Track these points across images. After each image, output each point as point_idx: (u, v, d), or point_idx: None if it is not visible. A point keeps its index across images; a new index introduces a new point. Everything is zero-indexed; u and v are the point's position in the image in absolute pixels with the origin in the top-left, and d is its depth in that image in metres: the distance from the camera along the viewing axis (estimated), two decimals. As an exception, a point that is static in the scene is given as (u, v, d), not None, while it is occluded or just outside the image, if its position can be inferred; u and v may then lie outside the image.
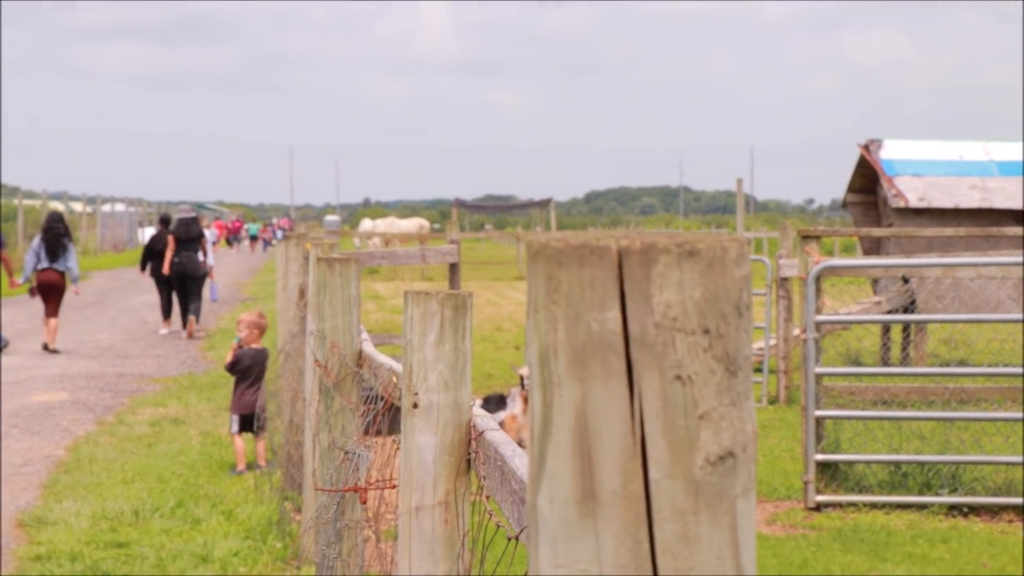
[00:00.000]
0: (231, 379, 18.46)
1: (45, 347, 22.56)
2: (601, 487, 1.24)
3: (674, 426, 1.24)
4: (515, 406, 13.39)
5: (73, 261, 23.27)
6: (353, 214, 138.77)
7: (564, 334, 1.25)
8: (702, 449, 1.24)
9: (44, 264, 22.93)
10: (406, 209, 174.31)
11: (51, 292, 22.85)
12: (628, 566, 1.24)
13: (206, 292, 26.65)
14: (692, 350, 1.24)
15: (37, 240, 23.29)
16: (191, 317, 25.61)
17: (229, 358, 12.73)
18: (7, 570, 9.28)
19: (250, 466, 12.49)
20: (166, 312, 26.31)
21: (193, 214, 26.17)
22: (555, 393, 1.26)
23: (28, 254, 23.35)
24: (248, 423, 12.48)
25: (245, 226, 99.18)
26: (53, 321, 22.72)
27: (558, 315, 1.25)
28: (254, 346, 12.73)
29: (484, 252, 73.03)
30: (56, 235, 23.06)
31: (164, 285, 26.11)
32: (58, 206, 62.28)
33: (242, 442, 12.52)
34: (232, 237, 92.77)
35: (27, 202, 57.02)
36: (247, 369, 12.55)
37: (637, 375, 1.24)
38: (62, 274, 23.04)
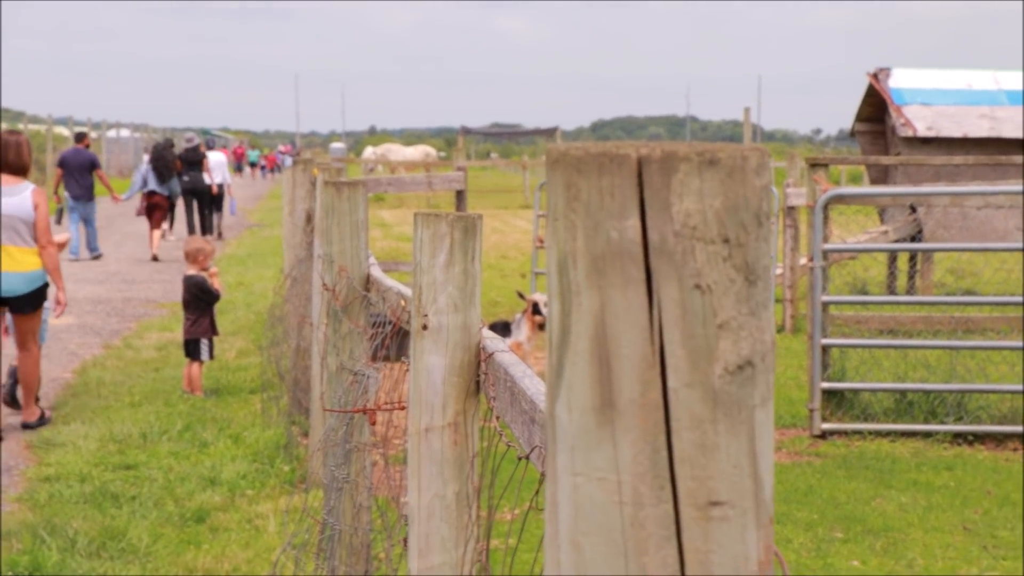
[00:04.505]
0: (235, 304, 18.56)
1: (154, 258, 25.63)
2: (619, 395, 1.24)
3: (693, 335, 1.24)
4: (520, 333, 13.40)
5: (176, 184, 27.32)
6: (359, 142, 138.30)
7: (583, 243, 1.24)
8: (721, 358, 1.24)
9: (152, 187, 26.68)
10: (412, 137, 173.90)
11: (157, 211, 26.57)
12: (646, 474, 1.24)
13: (225, 207, 31.30)
14: (711, 259, 1.23)
15: (146, 165, 27.01)
16: (213, 230, 30.10)
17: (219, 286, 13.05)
18: (16, 491, 9.34)
19: (206, 391, 12.71)
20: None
21: (197, 142, 29.76)
22: (574, 302, 1.25)
23: (136, 175, 27.49)
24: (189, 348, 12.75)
25: (246, 153, 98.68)
26: (156, 233, 26.18)
27: (577, 223, 1.24)
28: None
29: (490, 180, 72.85)
30: (165, 162, 26.69)
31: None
32: (63, 131, 62.18)
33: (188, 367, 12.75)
34: (237, 164, 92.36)
35: (32, 127, 56.92)
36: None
37: (656, 284, 1.23)
38: (167, 197, 26.87)
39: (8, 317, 11.45)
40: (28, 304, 11.12)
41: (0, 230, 10.95)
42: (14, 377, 11.75)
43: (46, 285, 11.23)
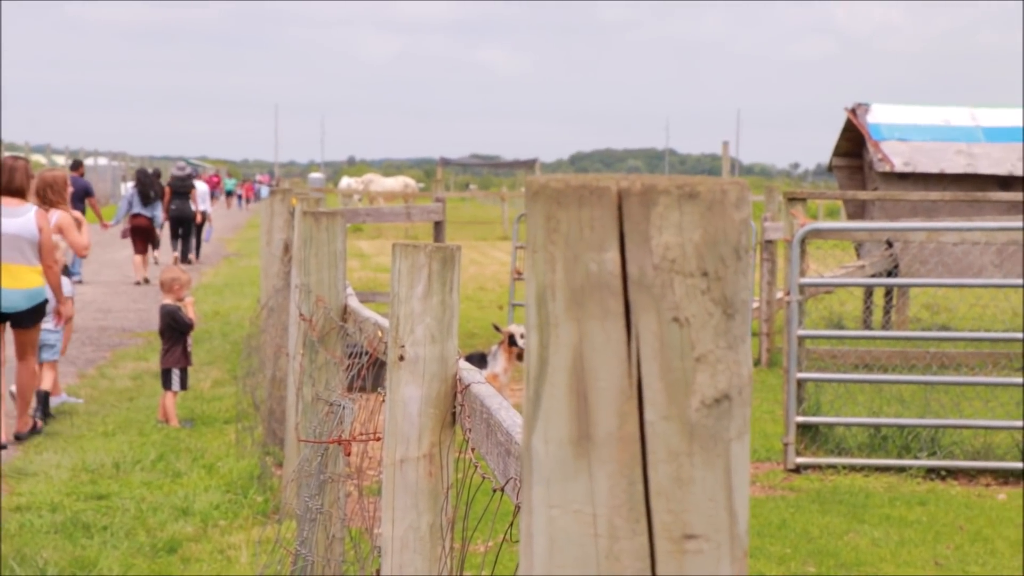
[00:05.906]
0: (211, 334, 18.52)
1: (139, 282, 26.82)
2: (596, 428, 1.24)
3: (670, 368, 1.24)
4: (496, 365, 13.38)
5: (160, 209, 28.50)
6: (337, 172, 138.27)
7: (562, 275, 1.24)
8: (698, 391, 1.24)
9: (136, 210, 27.84)
10: (391, 167, 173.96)
11: (141, 234, 27.76)
12: (622, 507, 1.24)
13: (204, 233, 33.21)
14: (690, 292, 1.23)
15: (131, 190, 28.10)
16: (191, 254, 31.80)
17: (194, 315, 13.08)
18: (-12, 520, 9.28)
19: (182, 421, 12.64)
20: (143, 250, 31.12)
21: (189, 171, 31.73)
22: (552, 334, 1.25)
23: (122, 201, 28.74)
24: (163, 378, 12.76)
25: (222, 182, 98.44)
26: (138, 258, 27.37)
27: (556, 255, 1.24)
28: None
29: (469, 212, 72.81)
30: (149, 186, 27.83)
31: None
32: (40, 159, 62.03)
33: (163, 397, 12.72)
34: (212, 192, 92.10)
35: (7, 155, 56.70)
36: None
37: (635, 316, 1.23)
38: (151, 219, 27.96)
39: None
40: (28, 319, 11.64)
41: (1, 249, 11.43)
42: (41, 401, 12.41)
43: (45, 302, 11.78)
